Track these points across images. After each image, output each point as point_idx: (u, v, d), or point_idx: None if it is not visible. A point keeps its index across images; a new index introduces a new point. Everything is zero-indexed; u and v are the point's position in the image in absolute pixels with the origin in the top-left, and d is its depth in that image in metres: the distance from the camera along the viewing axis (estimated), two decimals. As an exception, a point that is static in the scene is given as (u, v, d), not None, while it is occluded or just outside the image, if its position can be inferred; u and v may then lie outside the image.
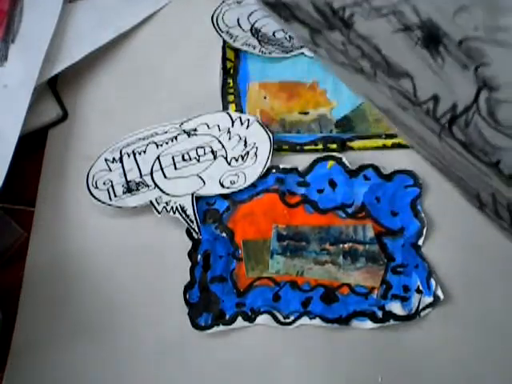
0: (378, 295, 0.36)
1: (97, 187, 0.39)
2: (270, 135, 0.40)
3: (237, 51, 0.44)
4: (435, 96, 0.26)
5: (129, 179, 0.39)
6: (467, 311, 0.36)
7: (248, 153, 0.40)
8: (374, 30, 0.27)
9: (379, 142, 0.40)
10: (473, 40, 0.23)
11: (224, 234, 0.38)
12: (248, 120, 0.40)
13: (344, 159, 0.39)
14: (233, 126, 0.40)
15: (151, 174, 0.39)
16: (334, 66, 0.30)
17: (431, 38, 0.25)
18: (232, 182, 0.39)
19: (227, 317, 0.36)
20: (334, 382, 0.35)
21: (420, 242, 0.37)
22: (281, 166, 0.40)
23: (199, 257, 0.38)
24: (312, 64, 0.43)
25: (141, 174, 0.39)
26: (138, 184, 0.39)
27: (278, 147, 0.40)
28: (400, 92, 0.28)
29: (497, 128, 0.25)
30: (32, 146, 0.41)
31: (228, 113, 0.41)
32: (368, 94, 0.31)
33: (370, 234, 0.37)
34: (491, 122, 0.25)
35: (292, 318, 0.36)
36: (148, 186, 0.39)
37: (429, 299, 0.36)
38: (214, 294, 0.37)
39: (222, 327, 0.36)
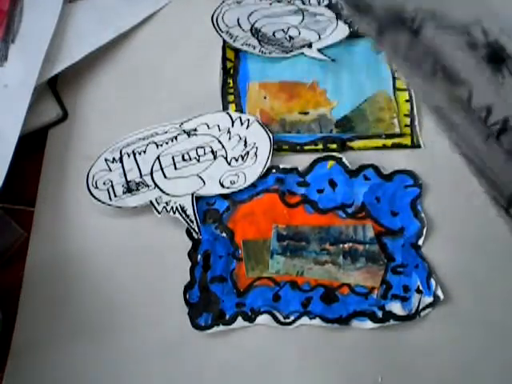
0: (378, 295, 0.36)
1: (97, 187, 0.39)
2: (270, 135, 0.40)
3: (237, 51, 0.44)
4: (489, 107, 0.27)
5: (129, 179, 0.39)
6: (467, 311, 0.36)
7: (248, 153, 0.40)
8: (440, 42, 0.28)
9: (379, 142, 0.40)
10: None
11: (224, 234, 0.38)
12: (248, 120, 0.40)
13: (344, 159, 0.39)
14: (233, 125, 0.40)
15: (151, 174, 0.39)
16: (393, 59, 0.32)
17: (495, 57, 0.25)
18: (232, 182, 0.39)
19: (227, 317, 0.36)
20: (334, 381, 0.35)
21: (420, 242, 0.37)
22: (281, 166, 0.40)
23: (199, 257, 0.38)
24: (312, 64, 0.43)
25: (141, 173, 0.39)
26: (138, 184, 0.39)
27: (278, 147, 0.40)
28: (455, 96, 0.29)
29: None
30: (32, 145, 0.41)
31: (228, 113, 0.41)
32: (424, 91, 0.32)
33: (370, 234, 0.37)
34: None
35: (292, 317, 0.36)
36: (148, 186, 0.39)
37: (429, 299, 0.36)
38: (214, 294, 0.37)
39: (222, 327, 0.36)
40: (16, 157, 0.38)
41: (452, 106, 0.29)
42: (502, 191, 0.31)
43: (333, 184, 0.39)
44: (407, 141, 0.41)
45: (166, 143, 0.40)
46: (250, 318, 0.36)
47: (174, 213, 0.38)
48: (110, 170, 0.39)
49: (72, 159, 0.41)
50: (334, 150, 0.40)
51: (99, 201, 0.38)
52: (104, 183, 0.39)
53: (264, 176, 0.39)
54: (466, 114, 0.29)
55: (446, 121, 0.31)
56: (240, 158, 0.39)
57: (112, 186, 0.39)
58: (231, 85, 0.43)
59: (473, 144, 0.30)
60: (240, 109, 0.42)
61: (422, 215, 0.38)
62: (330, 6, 0.45)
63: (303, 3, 0.45)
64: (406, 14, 0.28)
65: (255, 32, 0.44)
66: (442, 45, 0.28)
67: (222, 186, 0.39)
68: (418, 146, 0.41)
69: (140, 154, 0.40)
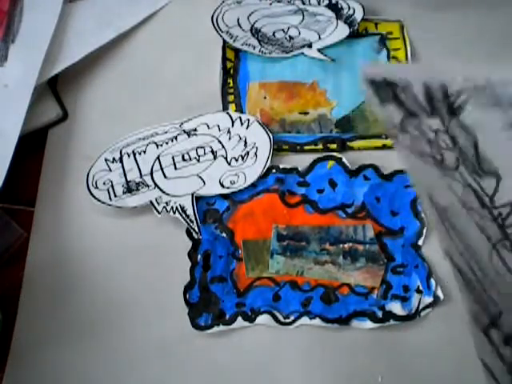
0: (378, 295, 0.36)
1: (97, 187, 0.39)
2: (270, 135, 0.40)
3: (237, 51, 0.44)
4: None
5: (129, 179, 0.39)
6: (467, 311, 0.36)
7: (248, 153, 0.40)
8: (482, 121, 0.26)
9: (379, 142, 0.40)
10: None
11: (224, 234, 0.38)
12: (248, 120, 0.40)
13: (344, 159, 0.39)
14: (233, 126, 0.40)
15: (151, 174, 0.39)
16: (408, 154, 0.30)
17: None
18: (232, 182, 0.39)
19: (227, 317, 0.36)
20: (334, 381, 0.35)
21: (420, 242, 0.37)
22: (281, 166, 0.40)
23: (199, 257, 0.37)
24: (312, 64, 0.43)
25: (141, 173, 0.39)
26: (138, 184, 0.39)
27: (277, 147, 0.40)
28: (474, 191, 0.28)
29: None
30: (32, 145, 0.41)
31: (228, 113, 0.41)
32: (431, 188, 0.31)
33: (370, 234, 0.37)
34: None
35: (292, 317, 0.36)
36: (148, 186, 0.39)
37: (429, 299, 0.36)
38: (214, 294, 0.37)
39: (222, 327, 0.36)
40: (16, 157, 0.38)
41: (464, 204, 0.28)
42: (490, 309, 0.29)
43: (333, 184, 0.39)
44: (407, 141, 0.41)
45: (166, 143, 0.40)
46: (250, 318, 0.36)
47: (174, 213, 0.38)
48: (110, 170, 0.39)
49: (72, 159, 0.41)
50: (334, 150, 0.40)
51: (99, 201, 0.38)
52: (104, 183, 0.39)
53: (264, 176, 0.39)
54: (481, 213, 0.28)
55: (448, 226, 0.29)
56: (240, 158, 0.39)
57: (112, 186, 0.39)
58: (231, 85, 0.43)
59: (474, 253, 0.29)
60: (240, 109, 0.42)
61: (422, 215, 0.38)
62: (329, 6, 0.45)
63: (303, 3, 0.45)
64: (450, 88, 0.27)
65: (255, 32, 0.44)
66: (483, 125, 0.26)
67: (222, 186, 0.39)
68: (418, 146, 0.41)
69: (140, 153, 0.40)
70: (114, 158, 0.40)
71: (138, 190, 0.39)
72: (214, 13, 0.44)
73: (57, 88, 0.43)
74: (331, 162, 0.39)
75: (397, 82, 0.27)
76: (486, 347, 0.29)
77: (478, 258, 0.28)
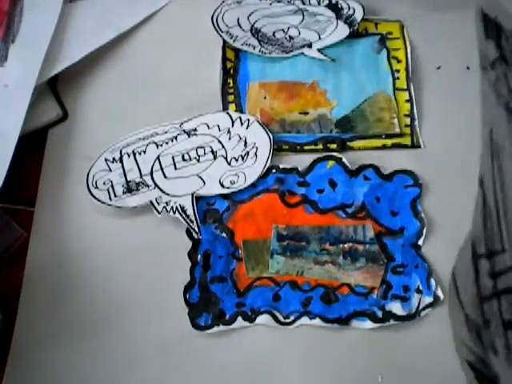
0: (378, 295, 0.36)
1: (97, 187, 0.39)
2: (270, 135, 0.40)
3: (237, 51, 0.44)
4: None
5: (129, 179, 0.39)
6: (467, 311, 0.36)
7: (248, 153, 0.40)
8: None
9: (379, 142, 0.40)
10: None
11: (224, 234, 0.38)
12: (248, 120, 0.40)
13: (344, 159, 0.39)
14: (233, 126, 0.40)
15: (151, 174, 0.39)
16: (488, 88, 0.32)
17: None
18: (232, 182, 0.39)
19: (227, 317, 0.36)
20: (334, 381, 0.35)
21: (420, 242, 0.37)
22: (281, 166, 0.40)
23: (199, 257, 0.38)
24: (312, 64, 0.43)
25: (141, 173, 0.39)
26: (138, 184, 0.39)
27: (277, 147, 0.40)
28: None
29: None
30: (32, 145, 0.41)
31: (228, 113, 0.41)
32: (495, 124, 0.33)
33: (370, 234, 0.37)
34: None
35: (292, 317, 0.36)
36: (148, 186, 0.39)
37: (429, 299, 0.36)
38: (214, 294, 0.37)
39: (222, 327, 0.36)
40: (16, 157, 0.38)
41: None
42: (493, 240, 0.31)
43: (333, 184, 0.39)
44: (407, 141, 0.41)
45: (166, 143, 0.40)
46: (250, 318, 0.36)
47: (174, 213, 0.38)
48: (110, 170, 0.39)
49: (72, 159, 0.41)
50: (334, 150, 0.40)
51: (99, 201, 0.38)
52: (104, 183, 0.39)
53: (264, 176, 0.39)
54: None
55: (496, 157, 0.31)
56: (240, 158, 0.39)
57: (112, 186, 0.39)
58: (231, 85, 0.43)
59: (507, 190, 0.31)
60: (240, 109, 0.42)
61: (422, 215, 0.38)
62: (329, 6, 0.45)
63: (303, 3, 0.45)
64: None
65: (255, 32, 0.44)
66: None
67: (222, 186, 0.39)
68: (418, 146, 0.41)
69: (140, 154, 0.40)
70: (114, 158, 0.40)
71: (138, 190, 0.39)
72: (214, 13, 0.44)
73: (57, 88, 0.43)
74: (331, 162, 0.39)
75: (504, 28, 0.29)
76: (467, 270, 0.32)
77: (508, 198, 0.30)
